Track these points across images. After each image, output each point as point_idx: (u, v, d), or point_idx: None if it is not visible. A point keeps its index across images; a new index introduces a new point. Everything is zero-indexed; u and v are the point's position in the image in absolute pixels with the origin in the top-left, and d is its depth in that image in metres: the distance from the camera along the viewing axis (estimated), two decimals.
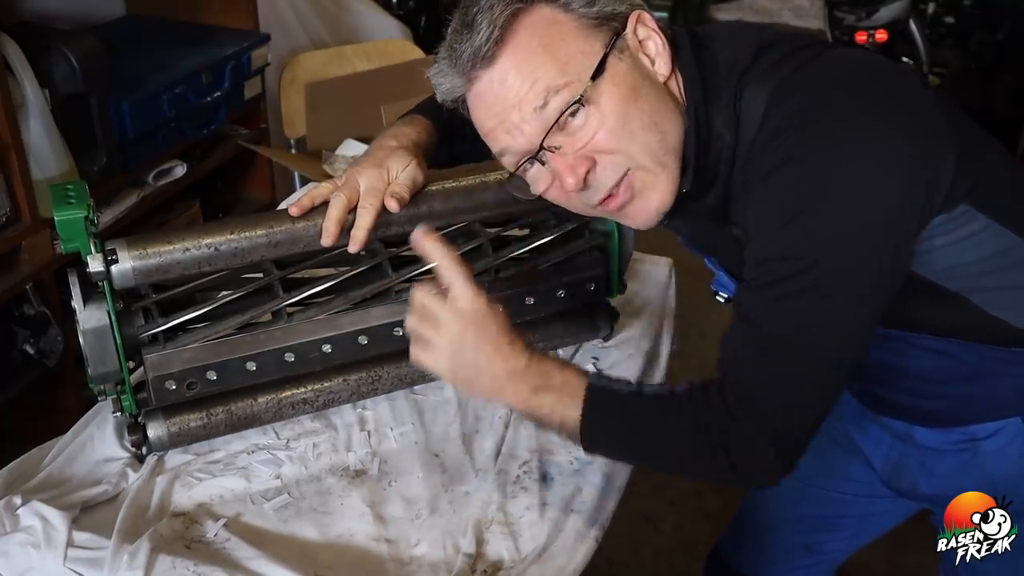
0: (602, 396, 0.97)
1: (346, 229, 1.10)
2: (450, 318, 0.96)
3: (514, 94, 0.94)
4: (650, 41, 0.98)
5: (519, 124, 0.95)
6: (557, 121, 0.94)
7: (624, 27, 0.97)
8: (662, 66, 0.98)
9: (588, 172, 0.95)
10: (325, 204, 1.12)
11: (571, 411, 0.96)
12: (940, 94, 0.99)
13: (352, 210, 1.10)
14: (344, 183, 1.12)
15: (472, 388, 0.99)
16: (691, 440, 0.93)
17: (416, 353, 0.99)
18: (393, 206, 1.11)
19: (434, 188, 1.19)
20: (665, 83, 0.98)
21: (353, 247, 1.10)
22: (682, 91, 0.99)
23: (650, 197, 0.98)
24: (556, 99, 0.93)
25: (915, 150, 0.89)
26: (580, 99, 0.93)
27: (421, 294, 0.97)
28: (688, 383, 0.96)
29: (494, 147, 1.00)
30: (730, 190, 1.00)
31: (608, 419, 0.97)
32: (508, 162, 1.00)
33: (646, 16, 0.98)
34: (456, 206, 1.21)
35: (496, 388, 0.97)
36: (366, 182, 1.11)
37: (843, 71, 0.95)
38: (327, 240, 1.10)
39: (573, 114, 0.94)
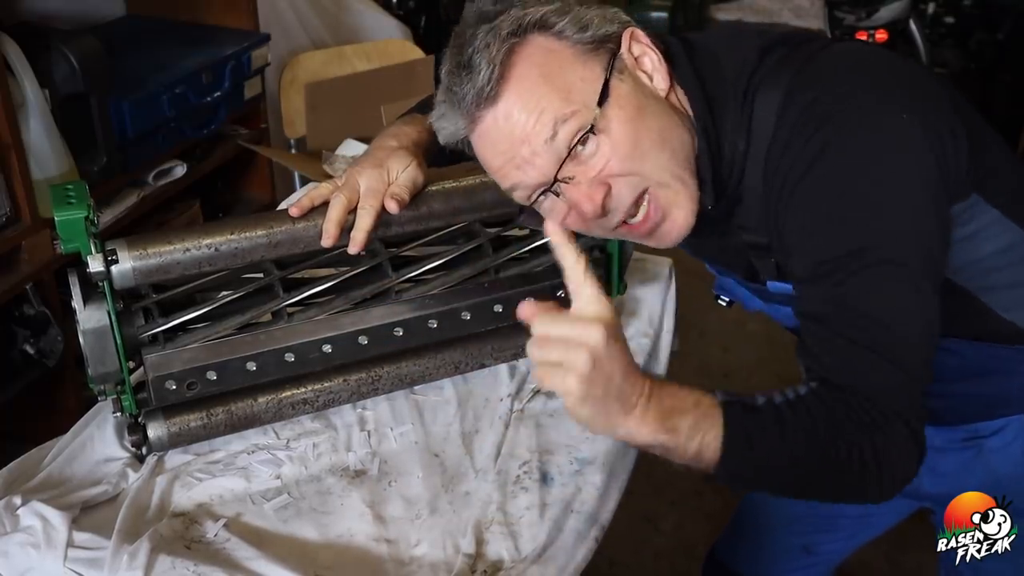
0: (740, 410, 0.87)
1: (346, 230, 1.10)
2: (585, 334, 0.81)
3: (521, 128, 0.93)
4: (645, 57, 0.97)
5: (530, 158, 0.94)
6: (570, 153, 0.92)
7: (619, 47, 0.96)
8: (660, 81, 0.97)
9: (605, 197, 0.94)
10: (325, 204, 1.12)
11: (710, 434, 0.86)
12: (948, 82, 0.99)
13: (352, 211, 1.10)
14: (344, 183, 1.12)
15: (602, 416, 0.84)
16: (839, 445, 0.86)
17: (545, 377, 0.84)
18: (393, 207, 1.10)
19: (434, 188, 1.19)
20: (667, 97, 0.97)
21: (353, 249, 1.10)
22: (683, 103, 0.98)
23: (676, 215, 0.96)
24: (565, 129, 0.92)
25: (935, 132, 0.90)
26: (591, 127, 0.92)
27: (544, 319, 0.83)
28: (803, 388, 0.90)
29: (504, 184, 0.99)
30: (740, 193, 0.99)
31: (750, 433, 0.87)
32: (520, 196, 0.99)
33: (639, 33, 0.97)
34: (456, 206, 1.21)
35: (626, 411, 0.84)
36: (366, 183, 1.11)
37: (854, 64, 0.96)
38: (327, 241, 1.10)
39: (583, 143, 0.92)
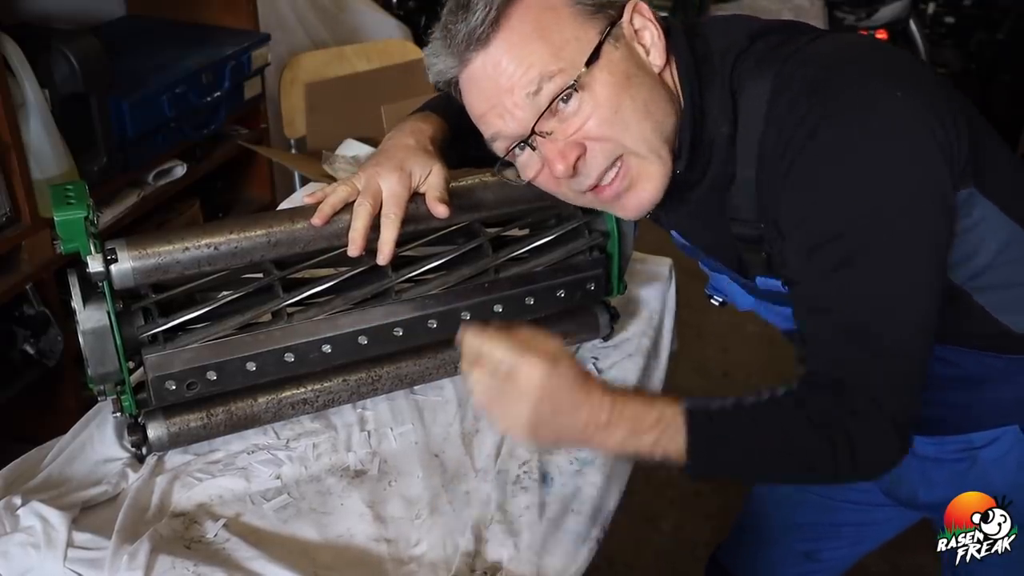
0: (705, 419, 0.91)
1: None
2: (526, 368, 0.86)
3: (507, 78, 0.94)
4: (646, 31, 0.98)
5: (512, 109, 0.95)
6: (549, 106, 0.93)
7: (620, 15, 0.97)
8: (656, 56, 0.98)
9: (578, 159, 0.95)
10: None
11: (674, 443, 0.90)
12: (943, 78, 0.99)
13: (375, 216, 1.08)
14: (365, 187, 1.09)
15: (557, 442, 0.93)
16: (810, 441, 0.89)
17: (483, 405, 0.89)
18: (443, 212, 1.09)
19: None
20: (660, 74, 0.98)
21: (382, 261, 1.08)
22: (675, 82, 0.99)
23: (644, 187, 0.98)
24: (550, 85, 0.93)
25: (934, 111, 0.89)
26: (574, 84, 0.92)
27: (485, 343, 0.88)
28: (782, 388, 0.92)
29: (486, 132, 1.00)
30: (729, 178, 0.99)
31: (717, 440, 0.91)
32: (499, 147, 1.00)
33: (643, 6, 0.98)
34: (457, 206, 1.20)
35: (584, 440, 0.90)
36: (388, 188, 1.08)
37: (847, 49, 0.96)
38: (354, 251, 1.07)
39: (566, 100, 0.94)
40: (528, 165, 1.00)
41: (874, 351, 0.89)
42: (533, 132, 0.95)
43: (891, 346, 0.89)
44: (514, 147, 0.98)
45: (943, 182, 0.89)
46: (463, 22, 0.94)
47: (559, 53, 0.93)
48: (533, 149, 0.97)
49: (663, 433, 0.90)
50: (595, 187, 0.98)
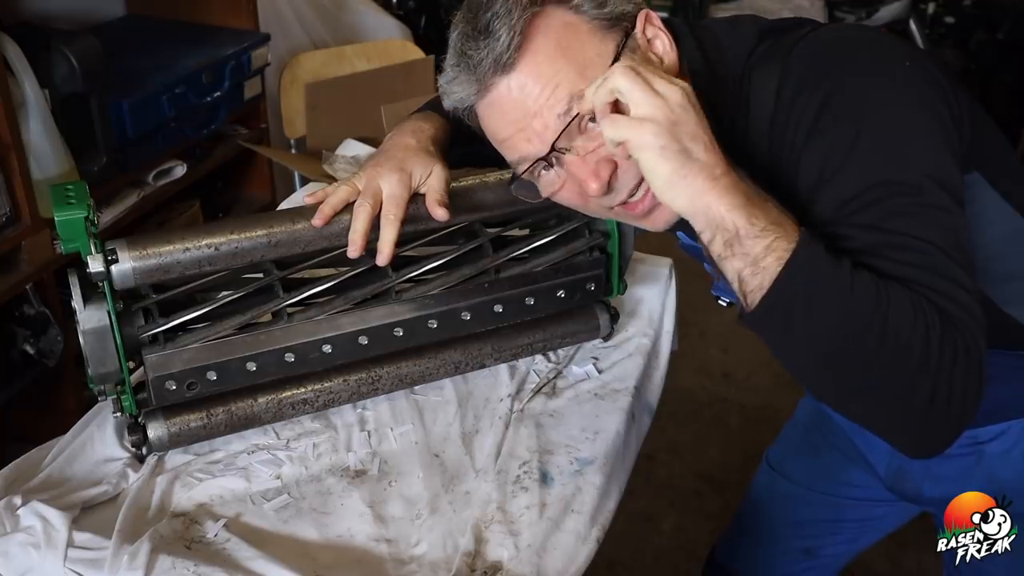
0: (822, 245, 0.81)
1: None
2: (667, 86, 0.83)
3: (534, 100, 0.92)
4: (657, 40, 0.97)
5: (541, 131, 0.93)
6: (579, 125, 0.92)
7: (633, 27, 0.96)
8: (670, 65, 0.97)
9: (611, 175, 0.93)
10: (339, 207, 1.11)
11: (781, 243, 0.81)
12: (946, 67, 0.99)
13: (375, 217, 1.08)
14: (365, 187, 1.08)
15: (684, 176, 0.82)
16: (918, 328, 0.78)
17: (617, 124, 0.83)
18: (442, 215, 1.08)
19: None
20: None
21: (382, 262, 1.08)
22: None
23: None
24: (579, 104, 0.91)
25: (936, 81, 0.90)
26: None
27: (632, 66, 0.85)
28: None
29: (511, 155, 0.98)
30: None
31: (819, 269, 0.80)
32: (524, 169, 0.98)
33: (652, 15, 0.98)
34: (457, 207, 1.20)
35: (709, 179, 0.82)
36: (388, 188, 1.08)
37: (850, 34, 0.96)
38: (354, 253, 1.07)
39: (594, 119, 0.92)
40: (552, 183, 0.98)
41: (952, 284, 0.82)
42: (556, 149, 0.93)
43: (964, 280, 0.83)
44: (541, 168, 0.97)
45: (950, 134, 0.88)
46: (486, 48, 0.92)
47: (584, 71, 0.91)
48: (561, 167, 0.96)
49: (778, 225, 0.82)
50: (624, 202, 0.97)
